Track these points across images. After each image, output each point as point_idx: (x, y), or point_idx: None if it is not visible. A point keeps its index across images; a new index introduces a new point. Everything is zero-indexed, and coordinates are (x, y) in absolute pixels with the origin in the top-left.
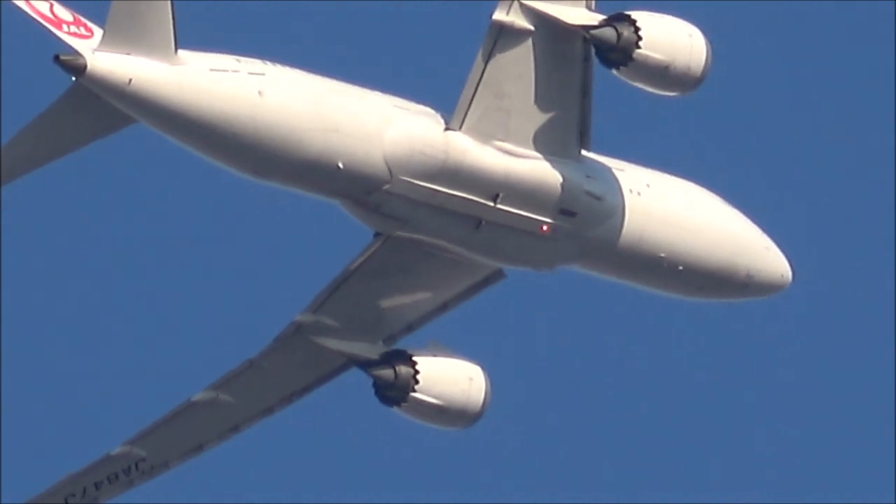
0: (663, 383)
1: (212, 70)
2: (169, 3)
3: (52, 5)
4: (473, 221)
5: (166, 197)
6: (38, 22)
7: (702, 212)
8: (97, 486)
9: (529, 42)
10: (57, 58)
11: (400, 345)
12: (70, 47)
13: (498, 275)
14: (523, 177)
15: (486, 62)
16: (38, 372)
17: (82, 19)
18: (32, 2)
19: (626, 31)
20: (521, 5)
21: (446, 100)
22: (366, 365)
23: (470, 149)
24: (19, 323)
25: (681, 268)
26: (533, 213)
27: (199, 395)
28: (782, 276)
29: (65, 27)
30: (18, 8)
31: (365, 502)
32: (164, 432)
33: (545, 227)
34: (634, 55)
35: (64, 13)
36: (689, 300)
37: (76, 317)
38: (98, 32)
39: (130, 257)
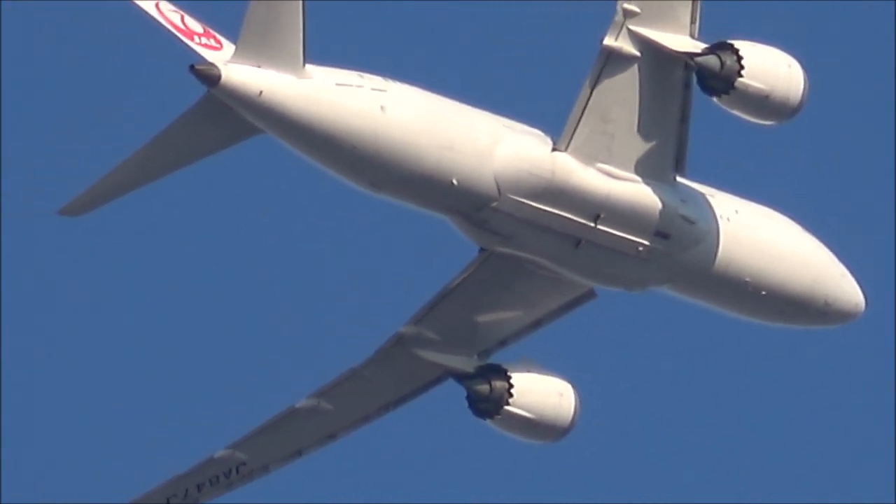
0: (736, 407)
1: (337, 84)
2: (301, 18)
3: (182, 16)
4: (573, 240)
5: (286, 206)
6: (171, 32)
7: (785, 239)
8: (199, 487)
9: (635, 68)
10: (192, 67)
11: (493, 359)
12: (202, 58)
13: (590, 294)
14: (624, 198)
15: (594, 86)
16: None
17: (212, 31)
18: (166, 13)
19: (729, 60)
20: (630, 31)
21: (553, 120)
22: (462, 378)
23: (575, 170)
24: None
25: (764, 293)
26: (631, 234)
27: (302, 402)
28: (857, 304)
29: (196, 38)
30: (152, 18)
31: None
32: (266, 437)
33: (641, 249)
34: (736, 83)
35: (195, 25)
36: (768, 325)
37: (187, 315)
38: (227, 45)
39: (250, 262)
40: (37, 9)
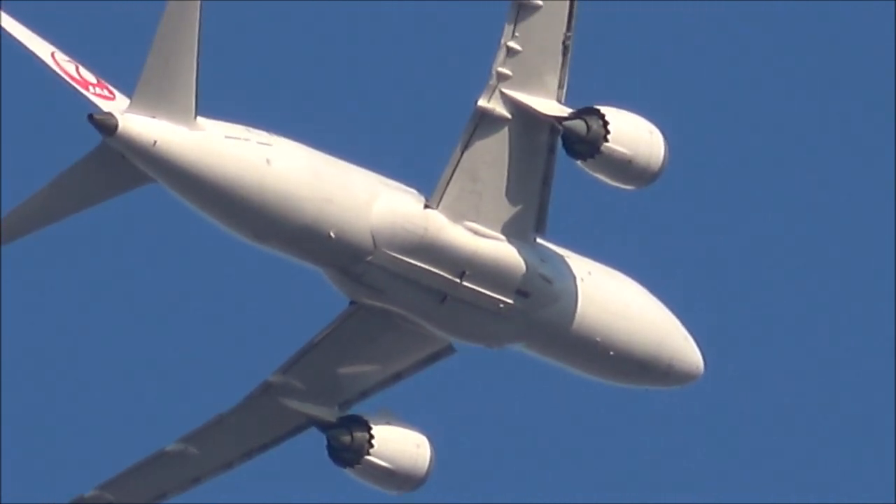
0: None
1: (226, 137)
2: (195, 72)
3: (77, 67)
4: (440, 296)
5: (170, 252)
6: (67, 82)
7: (633, 301)
8: None
9: (506, 130)
10: (91, 117)
11: (354, 410)
12: (98, 107)
13: (448, 350)
14: (488, 256)
15: (466, 146)
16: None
17: (105, 82)
18: (61, 63)
19: (595, 125)
20: (502, 94)
21: (426, 179)
22: (324, 427)
23: (445, 226)
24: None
25: (612, 353)
26: (493, 291)
27: (171, 446)
28: (697, 367)
29: (91, 88)
30: (47, 67)
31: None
32: (134, 479)
33: (502, 306)
34: (602, 148)
35: (89, 75)
36: (612, 385)
37: (71, 352)
38: (119, 96)
39: (131, 304)
40: None
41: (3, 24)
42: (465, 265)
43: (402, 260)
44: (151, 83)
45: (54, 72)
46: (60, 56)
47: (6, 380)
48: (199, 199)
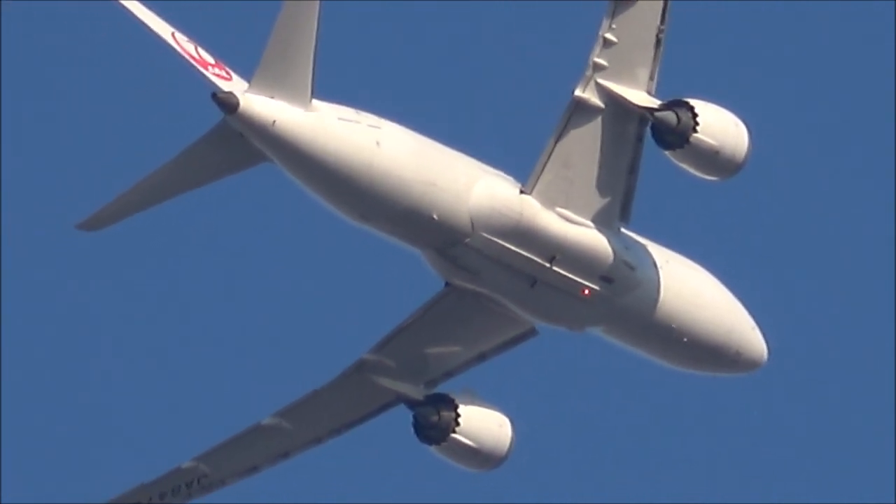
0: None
1: (339, 119)
2: (313, 55)
3: (196, 47)
4: (530, 280)
5: (277, 230)
6: (188, 61)
7: (707, 290)
8: (161, 496)
9: (599, 119)
10: (214, 95)
11: (439, 389)
12: (219, 87)
13: (532, 332)
14: (577, 242)
15: (561, 135)
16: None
17: (222, 63)
18: (182, 42)
19: (685, 117)
20: (597, 84)
21: (514, 165)
22: (411, 405)
23: (539, 212)
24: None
25: (685, 339)
26: (580, 276)
27: (267, 420)
28: (762, 355)
29: (210, 68)
30: (169, 46)
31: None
32: (229, 451)
33: (587, 291)
34: (691, 139)
35: (207, 56)
36: (682, 370)
37: (173, 328)
38: (235, 77)
39: (238, 279)
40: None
41: (125, 4)
42: (556, 250)
43: (498, 243)
44: (272, 65)
45: (175, 51)
46: (180, 36)
47: (112, 354)
48: (312, 179)
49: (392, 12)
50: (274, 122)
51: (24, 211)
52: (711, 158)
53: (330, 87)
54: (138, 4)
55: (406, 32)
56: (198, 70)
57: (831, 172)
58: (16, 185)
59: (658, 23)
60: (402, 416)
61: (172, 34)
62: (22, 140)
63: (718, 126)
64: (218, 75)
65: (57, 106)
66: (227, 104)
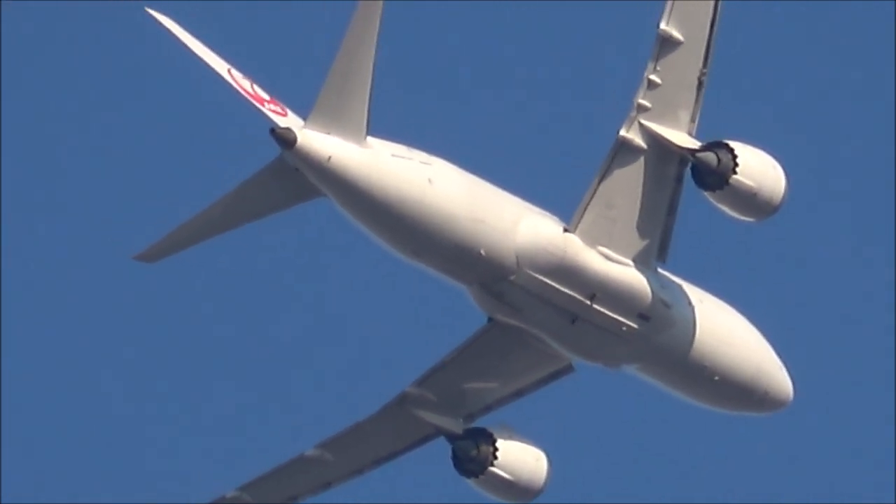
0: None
1: (393, 155)
2: (369, 93)
3: (252, 83)
4: (570, 316)
5: (321, 263)
6: (244, 97)
7: (738, 329)
8: None
9: (641, 160)
10: (272, 131)
11: (477, 423)
12: (275, 122)
13: (568, 368)
14: (618, 281)
15: (604, 174)
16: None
17: (276, 100)
18: (238, 79)
19: (725, 158)
20: (640, 125)
21: (554, 204)
22: (451, 438)
23: (581, 250)
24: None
25: (716, 378)
26: (619, 314)
27: (310, 451)
28: (788, 396)
29: (266, 105)
30: (226, 82)
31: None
32: (272, 482)
33: (624, 328)
34: (730, 180)
35: (262, 93)
36: (710, 409)
37: (223, 352)
38: (290, 113)
39: (287, 311)
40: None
41: (182, 39)
42: (597, 288)
43: (541, 280)
44: (329, 102)
45: (232, 87)
46: (236, 73)
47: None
48: (365, 214)
49: (437, 52)
50: (329, 157)
51: (80, 239)
52: (749, 200)
53: (377, 123)
54: (196, 42)
55: (450, 71)
56: (254, 106)
57: (857, 219)
58: (73, 214)
59: (700, 66)
60: (440, 449)
61: (229, 70)
62: (81, 170)
63: (757, 168)
64: (274, 111)
65: (113, 137)
66: (286, 140)
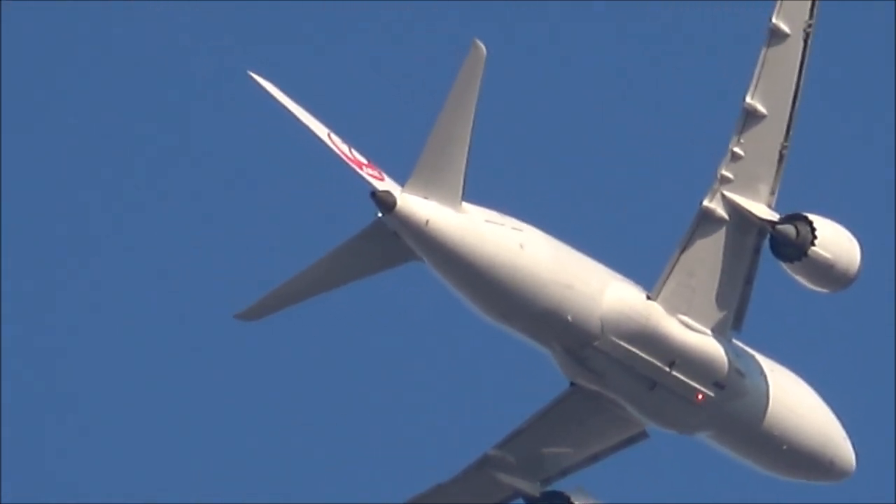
0: None
1: (487, 221)
2: (465, 159)
3: (350, 148)
4: (650, 383)
5: (412, 326)
6: (344, 162)
7: (806, 400)
8: None
9: (723, 230)
10: (374, 194)
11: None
12: (374, 186)
13: (643, 435)
14: (697, 349)
15: (687, 244)
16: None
17: (373, 164)
18: (338, 143)
19: (804, 230)
20: (723, 196)
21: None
22: (529, 501)
23: (663, 318)
24: None
25: (785, 447)
26: (696, 381)
27: None
28: (851, 466)
29: (364, 168)
30: (328, 148)
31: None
32: None
33: (700, 396)
34: (809, 252)
35: (360, 157)
36: (777, 477)
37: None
38: (387, 178)
39: (379, 369)
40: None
41: (284, 103)
42: (676, 355)
43: (624, 347)
44: (427, 167)
45: (332, 151)
46: (335, 138)
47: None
48: (459, 277)
49: (519, 118)
50: (427, 221)
51: (185, 304)
52: (826, 272)
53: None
54: (298, 106)
55: (534, 135)
56: (353, 170)
57: None
58: (177, 277)
59: (782, 139)
60: None
61: (328, 135)
62: (177, 239)
63: (834, 241)
64: (372, 175)
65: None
66: (386, 203)
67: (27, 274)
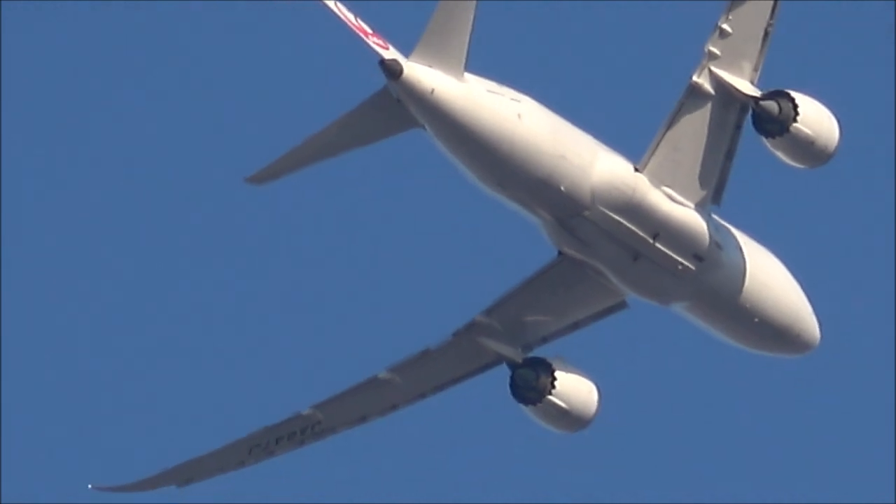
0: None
1: (488, 91)
2: (470, 29)
3: (356, 16)
4: (633, 254)
5: (408, 194)
6: (350, 29)
7: (777, 273)
8: (278, 441)
9: (709, 105)
10: (382, 62)
11: (535, 353)
12: (379, 54)
13: (622, 305)
14: (679, 221)
15: (674, 118)
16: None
17: (378, 33)
18: (345, 11)
19: (786, 107)
20: (710, 72)
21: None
22: (512, 366)
23: (649, 190)
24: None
25: (756, 320)
26: (677, 253)
27: (383, 374)
28: (815, 339)
29: (370, 37)
30: (333, 14)
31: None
32: (345, 401)
33: (680, 268)
34: (791, 128)
35: (365, 26)
36: (746, 350)
37: (299, 283)
38: (391, 48)
39: (365, 240)
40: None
41: None
42: (660, 227)
43: (612, 217)
44: (434, 36)
45: (339, 18)
46: (341, 5)
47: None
48: (460, 146)
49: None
50: (433, 90)
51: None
52: (806, 148)
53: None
54: None
55: (531, 19)
56: (360, 38)
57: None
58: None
59: (768, 18)
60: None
61: (335, 3)
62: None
63: (815, 118)
64: (377, 44)
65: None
66: (393, 71)
67: (27, 273)
